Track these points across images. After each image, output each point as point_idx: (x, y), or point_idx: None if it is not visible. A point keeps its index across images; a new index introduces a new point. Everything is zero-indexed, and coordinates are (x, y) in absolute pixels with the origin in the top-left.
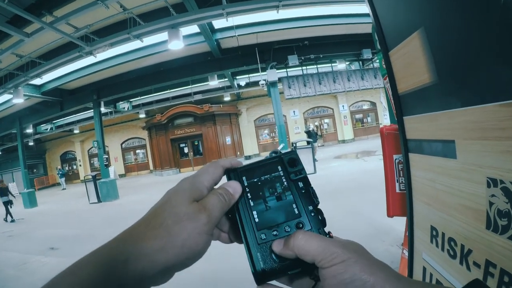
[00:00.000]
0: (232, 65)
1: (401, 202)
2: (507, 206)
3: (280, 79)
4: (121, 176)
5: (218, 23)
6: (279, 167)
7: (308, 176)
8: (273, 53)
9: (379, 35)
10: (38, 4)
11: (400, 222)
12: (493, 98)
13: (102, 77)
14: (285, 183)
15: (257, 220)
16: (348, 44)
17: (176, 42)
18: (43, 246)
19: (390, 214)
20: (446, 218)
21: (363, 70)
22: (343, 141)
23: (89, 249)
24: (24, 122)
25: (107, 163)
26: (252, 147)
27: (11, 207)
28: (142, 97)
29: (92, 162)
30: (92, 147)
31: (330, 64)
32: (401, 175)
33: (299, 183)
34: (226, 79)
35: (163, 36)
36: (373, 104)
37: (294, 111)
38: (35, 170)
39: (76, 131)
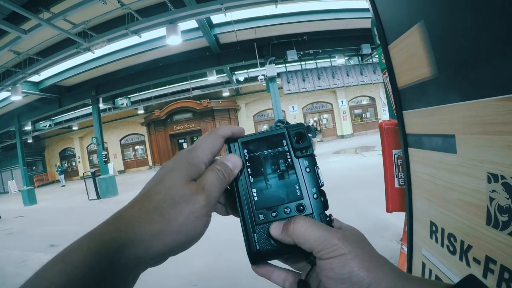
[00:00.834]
0: (230, 60)
1: (400, 197)
2: (508, 201)
3: (279, 74)
4: (120, 172)
5: (216, 18)
6: (284, 142)
7: None
8: (272, 48)
9: (378, 29)
10: (35, 0)
11: (399, 218)
12: (494, 92)
13: (100, 73)
14: (289, 160)
15: (256, 198)
16: (347, 39)
17: (174, 37)
18: (43, 243)
19: (389, 210)
20: (445, 214)
21: (362, 65)
22: (342, 136)
23: None
24: (22, 120)
25: (106, 159)
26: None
27: None
28: (140, 93)
29: (91, 158)
30: (91, 144)
31: (329, 59)
32: (401, 170)
33: (304, 161)
34: (225, 75)
35: (161, 31)
36: (372, 99)
37: (293, 106)
38: (34, 168)
39: (75, 128)
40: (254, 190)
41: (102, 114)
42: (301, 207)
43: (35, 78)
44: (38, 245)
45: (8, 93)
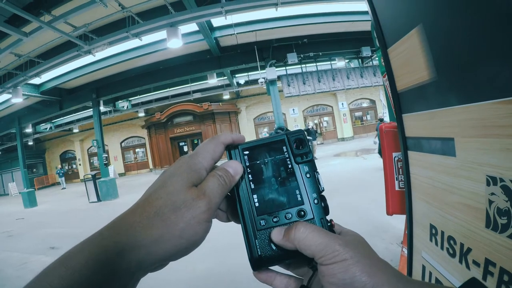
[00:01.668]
0: (231, 63)
1: (401, 200)
2: (507, 204)
3: (279, 77)
4: (120, 175)
5: (217, 21)
6: (284, 148)
7: None
8: (272, 51)
9: (377, 32)
10: (36, 3)
11: (399, 220)
12: (492, 95)
13: (101, 76)
14: (290, 166)
15: (257, 204)
16: (347, 41)
17: (175, 40)
18: (43, 246)
19: (389, 212)
20: (445, 217)
21: (363, 68)
22: (343, 139)
23: None
24: (23, 122)
25: (106, 162)
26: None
27: None
28: (141, 96)
29: (91, 161)
30: (91, 146)
31: (329, 62)
32: (401, 173)
33: (304, 166)
34: (225, 77)
35: (162, 34)
36: (373, 102)
37: (293, 109)
38: (34, 170)
39: (75, 130)
40: (255, 196)
41: (103, 117)
42: (302, 212)
43: (36, 81)
44: (39, 248)
45: (9, 95)
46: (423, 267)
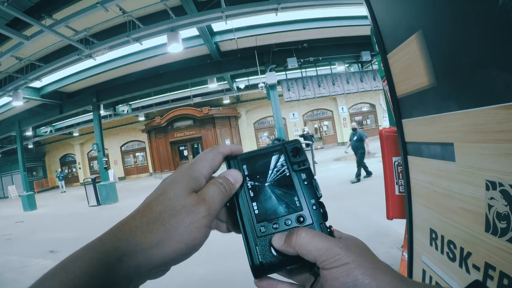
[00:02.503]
0: (231, 67)
1: (401, 204)
2: (506, 209)
3: (279, 82)
4: (120, 179)
5: (217, 26)
6: (282, 157)
7: None
8: (272, 55)
9: (377, 38)
10: (37, 7)
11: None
12: (491, 100)
13: (102, 80)
14: (288, 174)
15: (256, 211)
16: (347, 46)
17: (175, 45)
18: (43, 249)
19: (389, 217)
20: (445, 221)
21: (362, 72)
22: (343, 143)
23: None
24: (23, 125)
25: (106, 166)
26: (252, 149)
27: None
28: (141, 100)
29: (91, 165)
30: (91, 150)
31: (329, 67)
32: (401, 178)
33: (301, 174)
34: (226, 82)
35: (162, 39)
36: (373, 106)
37: (293, 114)
38: (34, 173)
39: (75, 134)
40: (254, 204)
41: (103, 121)
42: (301, 218)
43: (37, 84)
44: (38, 251)
45: (9, 98)
46: (424, 271)
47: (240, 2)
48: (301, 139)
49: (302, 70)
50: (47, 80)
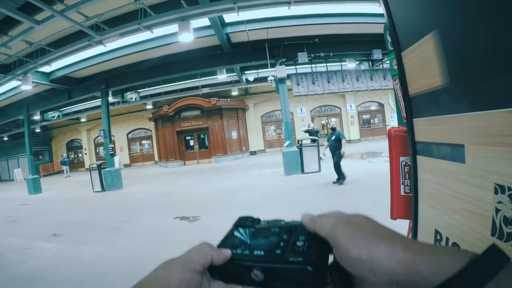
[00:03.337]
0: (241, 59)
1: (405, 205)
2: None
3: (289, 76)
4: (126, 166)
5: (228, 17)
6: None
7: (313, 174)
8: (283, 49)
9: (392, 35)
10: None
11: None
12: (504, 104)
13: (111, 67)
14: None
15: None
16: (358, 43)
17: (186, 34)
18: (46, 232)
19: (393, 217)
20: (451, 223)
21: (373, 70)
22: (349, 141)
23: (91, 237)
24: (31, 109)
25: (112, 152)
26: (258, 143)
27: None
28: (150, 88)
29: (97, 151)
30: (98, 136)
31: (339, 63)
32: (407, 178)
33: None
34: (235, 74)
35: (173, 28)
36: (381, 105)
37: (301, 109)
38: (40, 157)
39: (83, 120)
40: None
41: (111, 107)
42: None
43: (46, 69)
44: (41, 234)
45: (18, 82)
46: None
47: None
48: (307, 135)
49: (312, 65)
50: (57, 65)
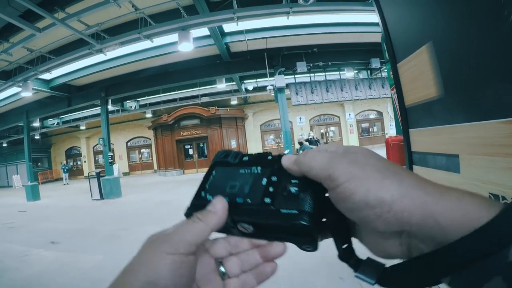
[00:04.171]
0: (240, 69)
1: None
2: None
3: (287, 85)
4: (125, 174)
5: (228, 27)
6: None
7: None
8: (282, 58)
9: (388, 47)
10: (51, 0)
11: None
12: (497, 114)
13: (111, 75)
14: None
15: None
16: (357, 52)
17: (186, 44)
18: (44, 239)
19: None
20: None
21: (371, 79)
22: None
23: (89, 244)
24: (31, 116)
25: (111, 160)
26: (257, 152)
27: None
28: (149, 97)
29: (96, 159)
30: (97, 144)
31: (338, 72)
32: None
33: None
34: (234, 83)
35: (173, 37)
36: (380, 113)
37: (300, 118)
38: (39, 164)
39: (82, 127)
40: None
41: (110, 116)
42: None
43: (46, 76)
44: (39, 241)
45: (18, 89)
46: None
47: (252, 4)
48: (307, 144)
49: (311, 74)
50: (57, 72)
